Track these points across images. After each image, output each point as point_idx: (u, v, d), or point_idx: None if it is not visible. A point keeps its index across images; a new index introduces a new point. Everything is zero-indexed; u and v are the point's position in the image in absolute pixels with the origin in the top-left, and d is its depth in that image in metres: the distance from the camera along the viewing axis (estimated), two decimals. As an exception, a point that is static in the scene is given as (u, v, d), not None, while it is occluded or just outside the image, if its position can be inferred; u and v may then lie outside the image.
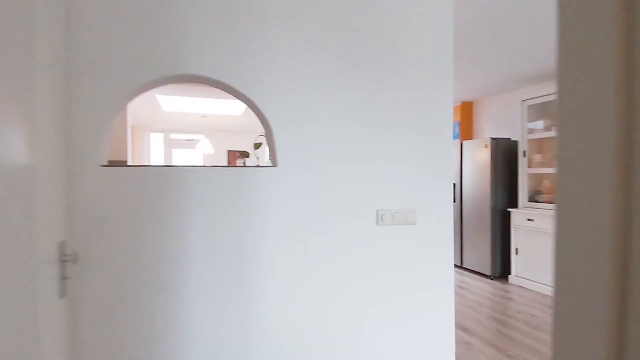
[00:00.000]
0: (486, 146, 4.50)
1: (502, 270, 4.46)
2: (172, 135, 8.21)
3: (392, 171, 1.61)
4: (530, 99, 4.17)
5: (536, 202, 4.17)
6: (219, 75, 1.41)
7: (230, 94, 1.51)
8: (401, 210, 1.62)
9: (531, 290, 3.96)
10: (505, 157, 4.52)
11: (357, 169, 1.57)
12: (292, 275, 1.50)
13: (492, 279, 4.40)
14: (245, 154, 2.00)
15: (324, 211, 1.53)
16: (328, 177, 1.53)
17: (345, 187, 1.55)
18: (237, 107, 5.60)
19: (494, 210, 4.45)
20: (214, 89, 4.48)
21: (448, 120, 1.71)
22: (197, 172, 1.40)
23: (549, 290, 3.80)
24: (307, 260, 1.51)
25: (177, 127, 7.68)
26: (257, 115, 1.52)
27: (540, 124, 4.16)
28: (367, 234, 1.58)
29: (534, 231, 4.02)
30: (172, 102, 5.25)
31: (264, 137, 1.63)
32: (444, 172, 1.70)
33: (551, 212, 3.79)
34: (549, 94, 3.91)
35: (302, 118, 1.50)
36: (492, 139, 4.45)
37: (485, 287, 4.07)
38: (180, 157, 8.60)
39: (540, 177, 4.35)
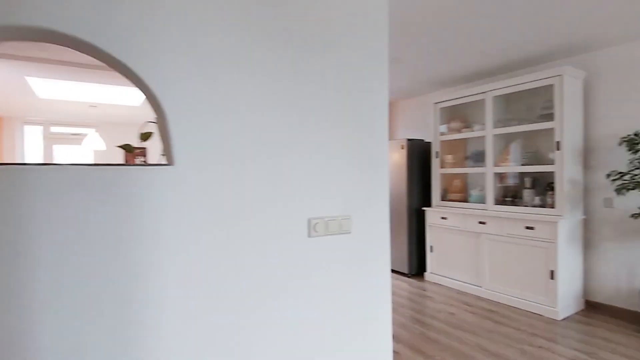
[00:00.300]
0: (402, 147, 4.55)
1: (418, 267, 4.56)
2: (54, 129, 6.90)
3: (325, 172, 1.33)
4: (443, 101, 4.30)
5: (448, 200, 4.32)
6: (80, 32, 0.96)
7: (103, 62, 1.07)
8: (336, 217, 1.34)
9: (446, 286, 4.07)
10: (419, 157, 4.62)
11: (284, 169, 1.25)
12: (198, 318, 1.12)
13: (409, 277, 4.45)
14: (127, 148, 1.53)
15: (241, 225, 1.17)
16: (246, 181, 1.18)
17: (269, 192, 1.22)
18: (134, 96, 4.84)
19: (410, 209, 4.51)
20: (105, 72, 3.75)
21: (383, 114, 1.49)
22: (48, 174, 0.94)
23: (460, 286, 3.94)
24: (218, 294, 1.14)
25: (60, 118, 6.46)
26: (144, 95, 1.11)
27: (451, 126, 4.32)
28: (298, 250, 1.27)
29: (446, 229, 4.14)
30: (48, 87, 4.30)
31: (155, 125, 1.21)
32: (380, 173, 1.48)
33: (461, 211, 3.94)
34: (461, 97, 4.06)
35: (210, 103, 1.13)
36: (408, 140, 4.51)
37: (404, 286, 4.08)
38: (64, 155, 7.28)
39: (452, 177, 4.53)
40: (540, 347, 2.57)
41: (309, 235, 1.28)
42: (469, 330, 2.88)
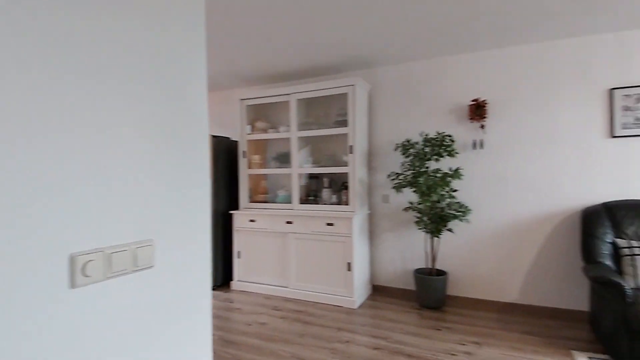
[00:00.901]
0: (206, 145, 4.11)
1: (224, 277, 4.21)
2: None
3: (106, 168, 0.83)
4: (249, 98, 4.11)
5: (257, 202, 4.17)
6: None
7: None
8: (127, 245, 0.86)
9: (254, 293, 3.90)
10: (225, 157, 4.29)
11: (10, 168, 0.68)
12: None
13: (215, 290, 4.05)
14: None
15: None
16: None
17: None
18: None
19: (216, 213, 4.12)
20: None
21: (201, 84, 1.10)
22: None
23: (268, 289, 3.85)
24: None
25: None
26: None
27: (257, 125, 4.19)
28: (48, 314, 0.72)
29: (255, 232, 3.98)
30: None
31: None
32: (200, 169, 1.07)
33: (269, 212, 3.86)
34: (267, 96, 3.97)
35: None
36: (213, 136, 4.12)
37: (212, 302, 3.66)
38: None
39: (259, 177, 4.42)
40: (347, 341, 2.69)
41: (73, 285, 0.75)
42: (282, 339, 2.76)
